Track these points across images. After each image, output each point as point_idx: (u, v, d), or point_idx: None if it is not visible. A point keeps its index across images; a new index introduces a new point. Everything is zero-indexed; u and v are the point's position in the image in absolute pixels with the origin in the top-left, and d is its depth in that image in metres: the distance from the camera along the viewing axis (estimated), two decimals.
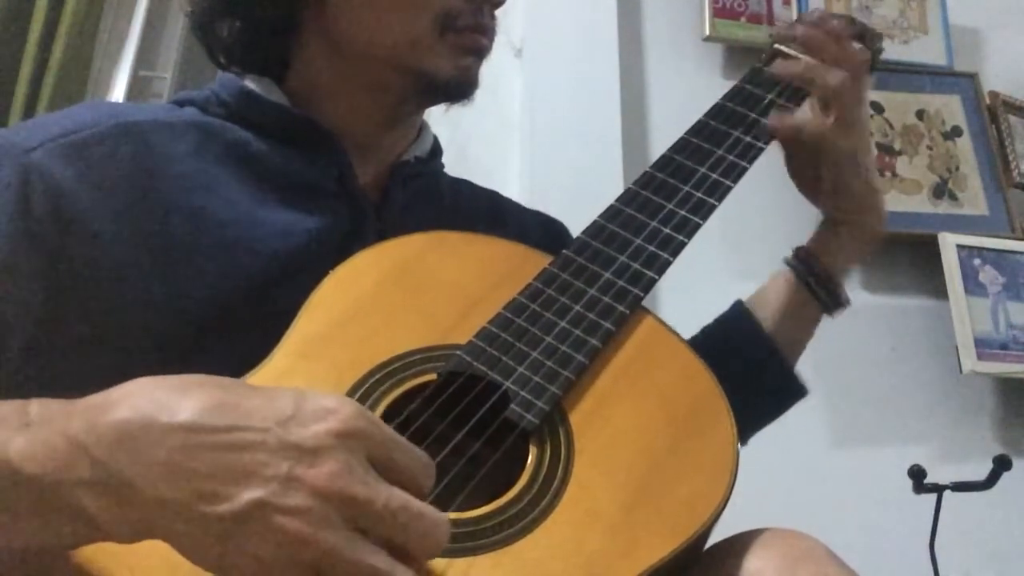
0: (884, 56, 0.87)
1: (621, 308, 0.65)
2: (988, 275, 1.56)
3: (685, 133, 0.78)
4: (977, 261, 1.56)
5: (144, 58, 2.04)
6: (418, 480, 0.45)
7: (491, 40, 0.78)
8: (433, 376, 0.60)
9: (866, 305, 1.57)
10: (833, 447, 1.49)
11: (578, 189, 1.38)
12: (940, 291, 1.55)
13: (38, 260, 0.62)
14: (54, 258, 0.62)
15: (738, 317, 0.87)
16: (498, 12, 0.79)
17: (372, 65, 0.76)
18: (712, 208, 0.72)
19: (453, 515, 0.51)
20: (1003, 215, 1.65)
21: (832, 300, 0.84)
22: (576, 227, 0.72)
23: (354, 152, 0.77)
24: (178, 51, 2.09)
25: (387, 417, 0.57)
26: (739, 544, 0.56)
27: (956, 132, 1.70)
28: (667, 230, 0.70)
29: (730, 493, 0.56)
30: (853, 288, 1.58)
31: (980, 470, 1.12)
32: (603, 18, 1.62)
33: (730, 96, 0.80)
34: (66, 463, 0.43)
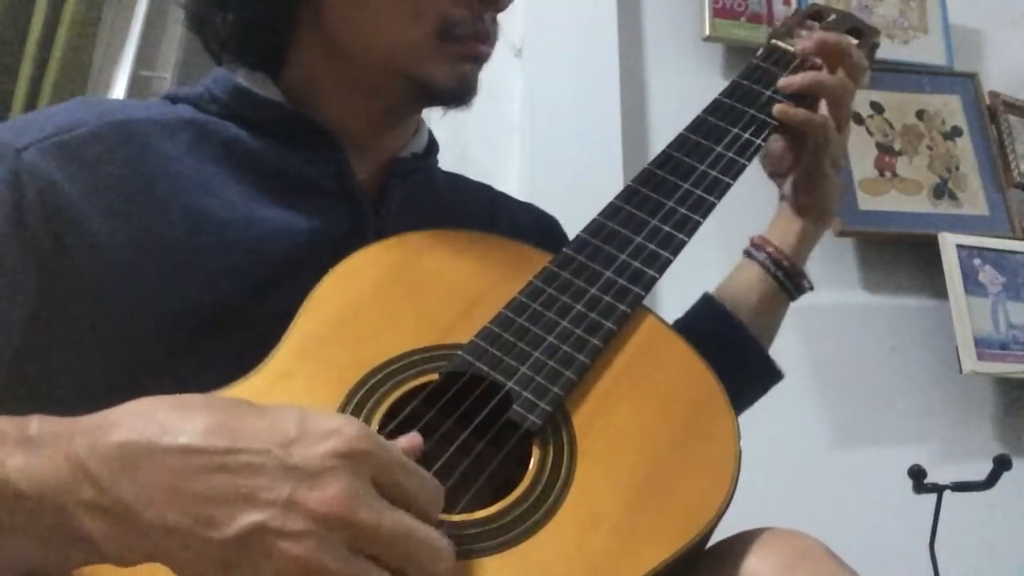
0: (885, 56, 0.89)
1: (622, 307, 0.65)
2: (988, 275, 1.56)
3: (683, 130, 0.78)
4: (977, 261, 1.56)
5: (144, 58, 2.03)
6: (426, 507, 0.45)
7: (492, 45, 0.76)
8: (434, 376, 0.60)
9: (866, 305, 1.57)
10: (833, 447, 1.49)
11: (578, 189, 1.38)
12: (940, 291, 1.55)
13: (31, 261, 0.61)
14: (48, 259, 0.61)
15: (711, 309, 0.88)
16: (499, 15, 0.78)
17: (369, 68, 0.74)
18: (712, 206, 0.72)
19: (458, 517, 0.51)
20: (1003, 215, 1.65)
21: (797, 288, 0.88)
22: (576, 227, 0.72)
23: (351, 149, 0.75)
24: (178, 51, 2.08)
25: (388, 417, 0.57)
26: (739, 544, 0.56)
27: (956, 132, 1.70)
28: (667, 228, 0.70)
29: (732, 493, 0.56)
30: (853, 288, 1.59)
31: (980, 470, 1.12)
32: (603, 18, 1.62)
33: (728, 93, 0.80)
34: (67, 484, 0.42)
